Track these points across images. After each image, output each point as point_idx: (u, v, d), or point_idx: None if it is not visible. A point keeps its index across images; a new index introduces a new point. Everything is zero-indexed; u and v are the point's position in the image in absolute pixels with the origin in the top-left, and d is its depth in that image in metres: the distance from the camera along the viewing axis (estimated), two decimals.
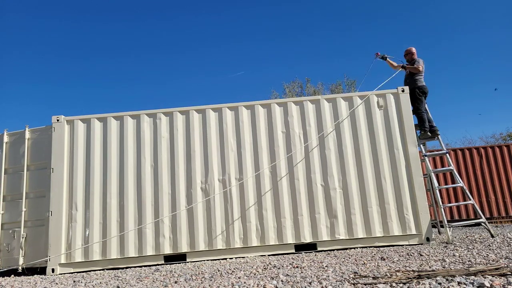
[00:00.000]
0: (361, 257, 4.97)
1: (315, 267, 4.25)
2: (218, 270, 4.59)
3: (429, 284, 2.71)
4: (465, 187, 6.75)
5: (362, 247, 6.19)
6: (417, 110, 7.11)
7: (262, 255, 6.19)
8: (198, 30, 46.43)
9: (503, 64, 43.02)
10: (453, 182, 11.41)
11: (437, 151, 10.50)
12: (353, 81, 25.85)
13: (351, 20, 44.35)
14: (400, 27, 45.27)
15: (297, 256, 5.69)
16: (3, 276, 6.13)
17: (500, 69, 43.40)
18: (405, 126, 6.59)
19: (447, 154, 7.10)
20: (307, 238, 6.28)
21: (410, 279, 2.93)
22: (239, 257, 6.14)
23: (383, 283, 2.84)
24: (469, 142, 27.99)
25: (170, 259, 6.20)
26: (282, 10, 45.02)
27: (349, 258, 4.97)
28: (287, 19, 44.33)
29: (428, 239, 6.18)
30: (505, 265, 3.33)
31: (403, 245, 6.15)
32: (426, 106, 7.23)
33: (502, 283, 2.57)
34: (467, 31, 45.14)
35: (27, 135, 6.74)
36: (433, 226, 7.62)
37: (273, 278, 3.54)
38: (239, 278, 3.81)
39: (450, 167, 6.89)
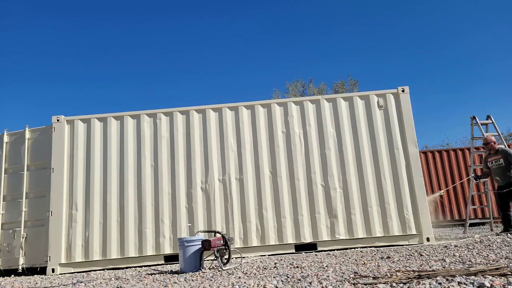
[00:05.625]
0: (361, 257, 4.97)
1: (315, 267, 4.25)
2: (218, 270, 4.59)
3: (429, 284, 2.71)
4: None
5: (362, 247, 6.19)
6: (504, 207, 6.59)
7: (262, 255, 6.18)
8: (200, 30, 46.44)
9: (503, 64, 43.00)
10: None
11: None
12: (356, 81, 25.90)
13: (355, 20, 44.34)
14: (404, 28, 45.25)
15: (297, 256, 5.68)
16: (3, 276, 6.12)
17: (500, 69, 43.38)
18: (405, 126, 6.58)
19: None
20: (307, 238, 6.28)
21: (410, 279, 2.92)
22: (240, 257, 6.13)
23: (383, 283, 2.84)
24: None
25: (170, 259, 6.20)
26: (285, 11, 45.02)
27: (349, 258, 4.97)
28: (291, 19, 44.35)
29: (428, 239, 6.18)
30: (505, 265, 3.33)
31: (403, 245, 6.15)
32: None
33: (502, 283, 2.57)
34: (465, 33, 45.14)
35: (27, 135, 6.74)
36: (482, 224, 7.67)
37: (273, 278, 3.54)
38: (239, 278, 3.81)
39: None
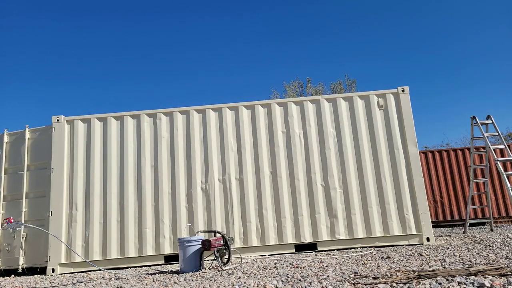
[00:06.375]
0: (361, 257, 4.97)
1: (315, 267, 4.25)
2: (218, 270, 4.59)
3: (429, 284, 2.71)
4: None
5: (362, 247, 6.19)
6: None
7: (262, 255, 6.19)
8: (199, 30, 46.44)
9: (503, 64, 43.02)
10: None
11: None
12: (353, 80, 25.89)
13: (354, 20, 44.35)
14: (404, 28, 45.28)
15: (297, 256, 5.68)
16: (3, 276, 6.12)
17: (500, 69, 43.41)
18: (405, 126, 6.58)
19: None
20: (307, 238, 6.28)
21: (410, 279, 2.93)
22: (239, 257, 6.13)
23: (383, 283, 2.84)
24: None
25: (170, 259, 6.20)
26: (282, 12, 45.03)
27: (349, 258, 4.97)
28: (290, 19, 44.35)
29: (428, 239, 6.18)
30: (505, 265, 3.33)
31: (403, 245, 6.15)
32: None
33: (502, 283, 2.57)
34: (465, 33, 45.17)
35: (27, 135, 6.74)
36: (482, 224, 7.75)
37: (273, 278, 3.54)
38: (239, 278, 3.81)
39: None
